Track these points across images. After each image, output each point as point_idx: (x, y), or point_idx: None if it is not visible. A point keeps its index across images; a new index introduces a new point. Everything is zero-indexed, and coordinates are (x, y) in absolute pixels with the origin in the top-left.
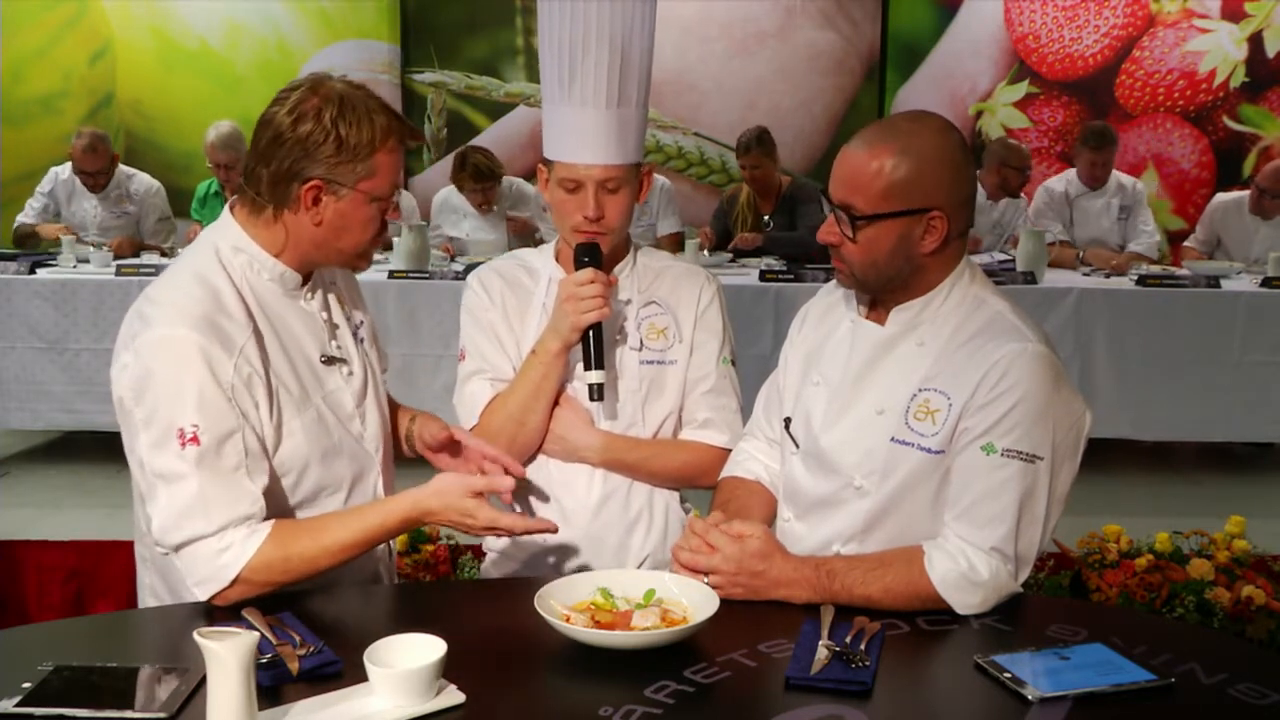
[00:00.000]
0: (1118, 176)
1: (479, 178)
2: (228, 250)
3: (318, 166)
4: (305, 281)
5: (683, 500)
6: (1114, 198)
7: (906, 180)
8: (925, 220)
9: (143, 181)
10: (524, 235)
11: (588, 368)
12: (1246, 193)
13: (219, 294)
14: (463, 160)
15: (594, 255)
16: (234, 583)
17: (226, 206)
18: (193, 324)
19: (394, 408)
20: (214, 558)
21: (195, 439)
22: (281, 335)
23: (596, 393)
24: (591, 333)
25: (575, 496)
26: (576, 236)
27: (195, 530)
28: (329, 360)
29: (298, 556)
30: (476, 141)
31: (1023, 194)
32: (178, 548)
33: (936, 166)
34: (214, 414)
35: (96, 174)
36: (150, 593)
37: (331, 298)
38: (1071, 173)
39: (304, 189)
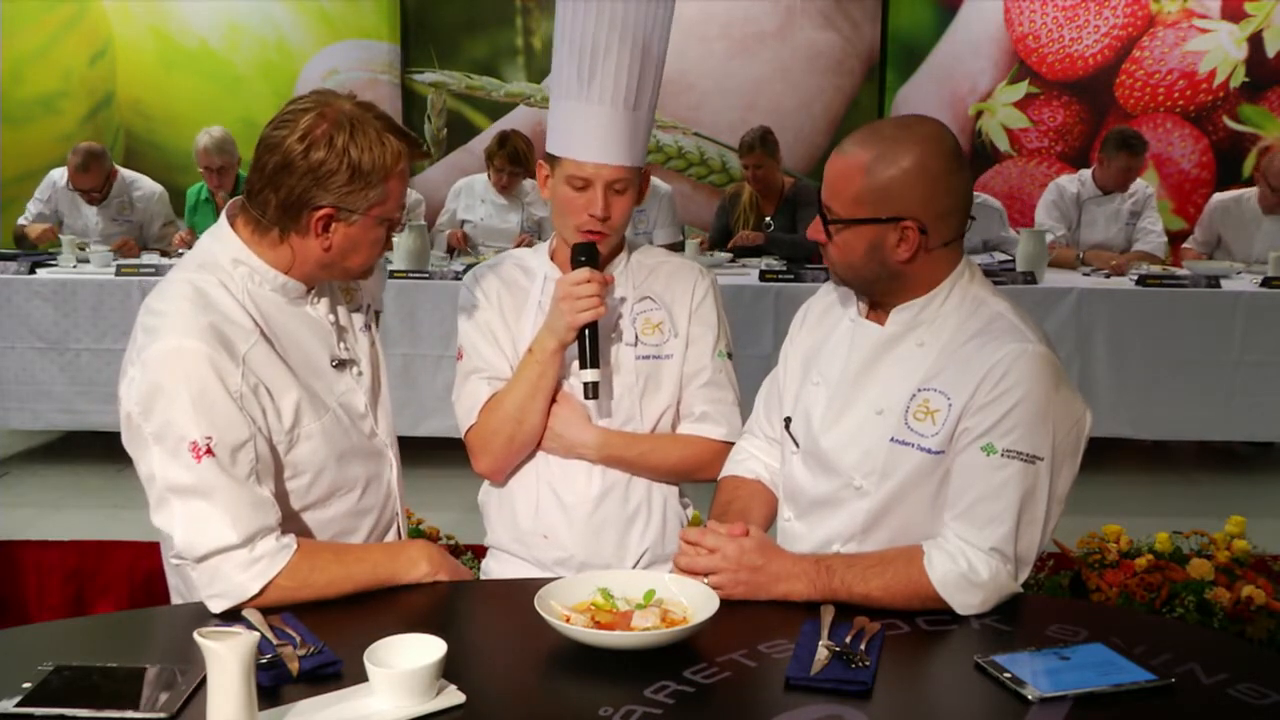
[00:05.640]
0: None
1: (513, 160)
2: (227, 262)
3: (329, 195)
4: (309, 289)
5: (681, 495)
6: (1125, 202)
7: (878, 189)
8: (899, 229)
9: (146, 189)
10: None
11: (583, 366)
12: (1245, 191)
13: (221, 303)
14: (503, 139)
15: (591, 255)
16: (251, 598)
17: (224, 216)
18: (198, 334)
19: None
20: (242, 570)
21: (209, 450)
22: (288, 343)
23: (592, 391)
24: (587, 331)
25: (575, 491)
26: (579, 235)
27: (222, 541)
28: (339, 364)
29: (311, 586)
30: (475, 142)
31: (994, 198)
32: (202, 559)
33: (910, 177)
34: (225, 424)
35: (91, 190)
36: (176, 593)
37: (338, 300)
38: (1085, 174)
39: (315, 217)
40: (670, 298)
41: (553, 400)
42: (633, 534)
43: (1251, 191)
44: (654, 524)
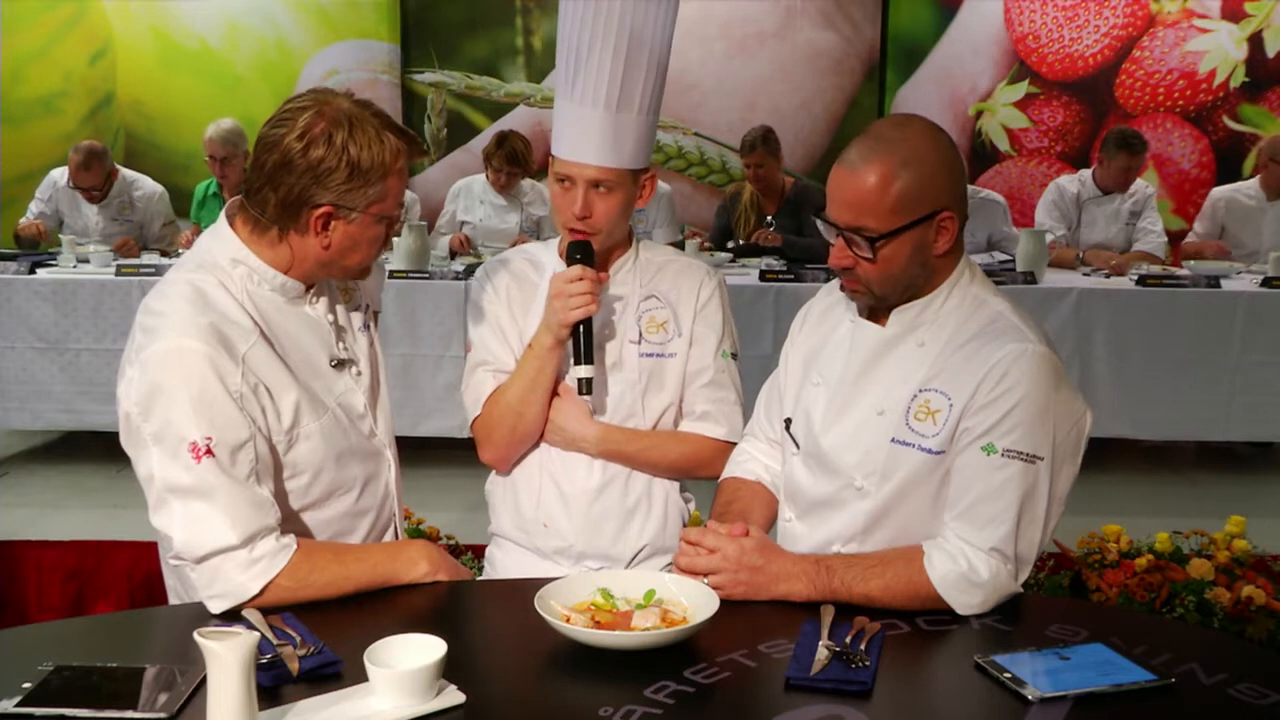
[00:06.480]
0: None
1: (511, 160)
2: (226, 262)
3: (328, 193)
4: (308, 289)
5: (682, 489)
6: (1126, 202)
7: (913, 189)
8: (937, 223)
9: (146, 188)
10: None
11: (577, 362)
12: (1242, 183)
13: (220, 303)
14: (501, 139)
15: (585, 252)
16: (251, 598)
17: (223, 215)
18: (198, 334)
19: None
20: (242, 570)
21: (209, 451)
22: (287, 343)
23: (585, 387)
24: (580, 328)
25: (575, 482)
26: (566, 232)
27: (222, 542)
28: (338, 364)
29: (311, 586)
30: (475, 142)
31: (995, 192)
32: (201, 560)
33: (936, 168)
34: (225, 424)
35: (92, 189)
36: (173, 594)
37: (336, 300)
38: (1085, 174)
39: (314, 215)
40: (676, 297)
41: (554, 394)
42: (632, 526)
43: (1250, 183)
44: (654, 517)
